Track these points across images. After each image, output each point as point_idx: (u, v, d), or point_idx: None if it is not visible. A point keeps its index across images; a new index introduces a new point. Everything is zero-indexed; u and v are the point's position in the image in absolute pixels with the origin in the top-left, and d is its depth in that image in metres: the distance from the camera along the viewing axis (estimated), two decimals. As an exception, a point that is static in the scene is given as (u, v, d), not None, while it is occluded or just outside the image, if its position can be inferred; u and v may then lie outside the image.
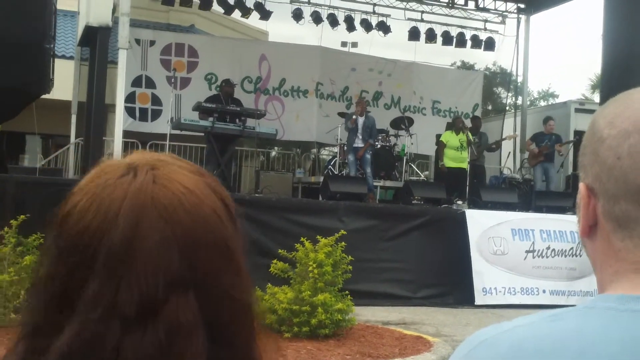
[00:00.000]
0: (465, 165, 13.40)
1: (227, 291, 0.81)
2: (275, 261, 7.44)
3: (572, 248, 10.85)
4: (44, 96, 11.00)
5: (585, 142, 0.93)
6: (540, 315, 0.88)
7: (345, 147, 13.50)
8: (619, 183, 0.86)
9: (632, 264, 0.87)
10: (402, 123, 14.28)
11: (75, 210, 0.81)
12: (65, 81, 14.06)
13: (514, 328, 0.87)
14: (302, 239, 7.50)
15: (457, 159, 13.44)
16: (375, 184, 13.29)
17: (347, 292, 7.31)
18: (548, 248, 10.93)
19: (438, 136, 14.34)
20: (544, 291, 10.77)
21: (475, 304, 10.34)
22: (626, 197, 0.86)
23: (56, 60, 11.75)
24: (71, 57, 15.60)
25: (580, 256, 10.51)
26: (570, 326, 0.84)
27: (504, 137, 15.74)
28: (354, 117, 13.05)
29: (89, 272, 0.77)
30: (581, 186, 0.92)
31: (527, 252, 10.84)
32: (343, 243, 7.44)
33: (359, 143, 13.17)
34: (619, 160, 0.86)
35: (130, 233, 0.77)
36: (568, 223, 10.87)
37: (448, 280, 10.70)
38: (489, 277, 10.56)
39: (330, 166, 14.27)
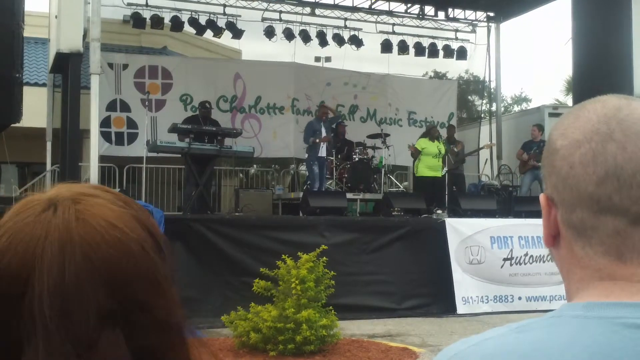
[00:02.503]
0: (439, 174, 13.48)
1: (157, 322, 0.80)
2: (257, 280, 7.41)
3: (550, 254, 10.89)
4: (17, 125, 10.90)
5: (544, 154, 0.95)
6: (508, 327, 0.88)
7: (308, 159, 13.53)
8: (574, 192, 0.88)
9: (596, 272, 0.88)
10: (379, 136, 14.34)
11: None
12: (38, 109, 13.97)
13: (482, 341, 0.87)
14: (283, 256, 7.48)
15: (433, 167, 13.53)
16: (354, 196, 13.32)
17: (331, 307, 7.30)
18: (526, 255, 11.01)
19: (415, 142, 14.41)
20: (519, 298, 10.84)
21: (458, 313, 10.39)
22: (581, 205, 0.87)
23: (29, 88, 11.70)
24: (43, 85, 15.49)
25: None
26: (538, 337, 0.84)
27: (481, 146, 15.87)
28: (317, 140, 13.11)
29: (13, 317, 0.75)
30: (541, 197, 0.94)
31: (505, 259, 10.91)
32: (325, 258, 7.43)
33: (323, 152, 13.22)
34: (572, 169, 0.88)
35: (56, 275, 0.76)
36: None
37: (431, 290, 10.72)
38: (466, 287, 10.63)
39: (309, 182, 14.28)
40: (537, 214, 11.71)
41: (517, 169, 14.91)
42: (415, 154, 13.82)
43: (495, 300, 10.76)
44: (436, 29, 17.67)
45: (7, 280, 0.77)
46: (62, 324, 0.75)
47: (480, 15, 17.71)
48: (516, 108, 35.67)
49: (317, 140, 13.10)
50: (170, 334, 0.82)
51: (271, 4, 16.18)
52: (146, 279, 0.81)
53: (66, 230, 0.78)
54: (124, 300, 0.78)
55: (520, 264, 10.99)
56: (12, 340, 0.75)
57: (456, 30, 17.75)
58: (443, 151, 13.61)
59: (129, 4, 15.11)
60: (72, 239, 0.78)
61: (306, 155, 13.73)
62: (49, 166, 13.99)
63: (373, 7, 17.05)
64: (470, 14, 17.66)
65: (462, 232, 10.84)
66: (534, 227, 10.93)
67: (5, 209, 0.85)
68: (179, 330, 0.83)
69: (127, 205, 0.85)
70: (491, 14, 17.60)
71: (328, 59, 20.07)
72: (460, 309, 10.47)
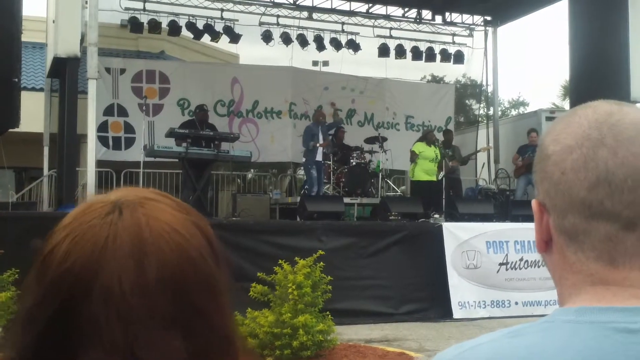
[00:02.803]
0: (435, 178, 13.51)
1: (213, 329, 0.82)
2: (254, 285, 7.40)
3: None
4: (15, 129, 10.91)
5: (536, 160, 0.95)
6: (501, 333, 0.88)
7: (305, 163, 13.55)
8: (565, 197, 0.88)
9: (588, 277, 0.88)
10: (377, 140, 14.36)
11: (59, 250, 0.80)
12: (36, 113, 13.96)
13: (475, 347, 0.88)
14: (280, 261, 7.47)
15: (430, 171, 13.56)
16: (352, 201, 13.33)
17: (328, 312, 7.29)
18: (521, 260, 11.02)
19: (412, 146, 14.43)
20: (516, 303, 10.85)
21: (454, 317, 10.39)
22: (573, 211, 0.88)
23: (26, 92, 11.69)
24: (41, 89, 15.50)
25: None
26: (531, 341, 0.84)
27: (478, 149, 15.90)
28: (317, 144, 13.13)
29: (75, 316, 0.77)
30: (534, 203, 0.95)
31: (501, 264, 10.92)
32: (322, 263, 7.42)
33: (320, 156, 13.24)
34: (564, 175, 0.88)
35: (124, 277, 0.78)
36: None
37: (428, 294, 10.71)
38: (462, 291, 10.63)
39: (306, 186, 14.29)
40: (533, 218, 11.82)
41: (512, 173, 14.93)
42: (413, 158, 13.85)
43: (492, 306, 10.76)
44: (433, 33, 17.71)
45: (71, 281, 0.78)
46: (125, 325, 0.76)
47: (478, 19, 17.75)
48: (513, 112, 35.73)
49: (318, 144, 13.11)
50: (224, 341, 0.84)
51: (268, 9, 16.20)
52: (204, 286, 0.83)
53: (135, 233, 0.80)
54: (184, 305, 0.80)
55: (516, 269, 11.00)
56: (72, 339, 0.77)
57: (453, 35, 17.78)
58: (439, 156, 13.64)
59: (127, 9, 15.12)
60: (141, 242, 0.80)
61: (304, 160, 13.75)
62: (46, 171, 13.99)
63: (370, 11, 17.08)
64: (467, 18, 17.70)
65: (458, 236, 10.84)
66: (530, 231, 10.90)
67: (65, 213, 0.86)
68: (232, 338, 0.85)
69: (187, 212, 0.87)
70: (488, 18, 17.64)
71: (326, 63, 20.10)
72: (457, 313, 10.46)
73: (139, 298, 0.77)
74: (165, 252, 0.80)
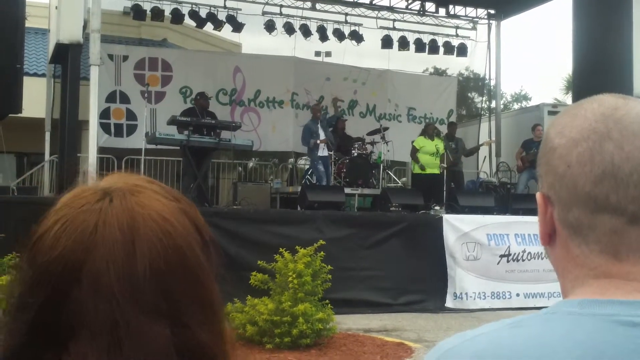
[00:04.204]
0: (437, 170, 13.49)
1: (200, 320, 0.81)
2: (254, 273, 7.42)
3: None
4: (16, 115, 10.91)
5: (540, 152, 0.95)
6: (502, 323, 0.88)
7: (311, 160, 13.57)
8: (570, 190, 0.88)
9: (591, 270, 0.88)
10: (378, 131, 14.35)
11: (48, 235, 0.80)
12: (37, 99, 13.96)
13: (476, 337, 0.88)
14: (281, 249, 7.50)
15: (431, 164, 13.55)
16: (352, 192, 13.33)
17: (327, 301, 7.32)
18: (524, 251, 11.03)
19: (413, 142, 14.43)
20: (517, 295, 10.88)
21: (451, 308, 10.43)
22: (577, 204, 0.88)
23: (28, 78, 11.67)
24: (43, 75, 15.48)
25: None
26: (532, 332, 0.84)
27: (480, 143, 15.90)
28: (317, 141, 13.13)
29: (65, 301, 0.77)
30: (538, 195, 0.94)
31: (502, 256, 10.94)
32: (322, 253, 7.45)
33: (324, 152, 13.24)
34: (569, 168, 0.88)
35: (113, 263, 0.77)
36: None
37: (428, 286, 10.73)
38: (461, 282, 10.65)
39: (307, 176, 14.28)
40: (534, 212, 11.86)
41: (515, 167, 14.92)
42: (414, 152, 13.86)
43: (493, 297, 10.79)
44: (437, 25, 17.66)
45: (62, 265, 0.78)
46: (112, 312, 0.76)
47: (481, 12, 17.69)
48: (516, 106, 35.67)
49: (318, 142, 13.10)
50: (212, 333, 0.83)
51: (272, -2, 16.15)
52: (193, 275, 0.82)
53: (124, 220, 0.80)
54: (171, 293, 0.79)
55: (518, 261, 11.01)
56: (63, 325, 0.77)
57: (457, 27, 17.73)
58: (441, 149, 13.62)
59: (130, -4, 15.08)
60: (130, 229, 0.79)
61: (308, 157, 13.77)
62: (47, 156, 13.99)
63: (374, 2, 17.03)
64: (471, 11, 17.65)
65: (459, 228, 10.86)
66: (531, 224, 10.95)
67: (56, 199, 0.85)
68: (221, 330, 0.85)
69: (178, 200, 0.87)
70: (492, 11, 17.58)
71: (328, 54, 20.03)
72: (454, 304, 10.51)
73: (126, 285, 0.77)
74: (154, 240, 0.80)
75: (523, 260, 11.02)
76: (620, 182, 0.85)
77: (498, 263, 10.91)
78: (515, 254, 10.99)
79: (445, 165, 13.51)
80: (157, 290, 0.78)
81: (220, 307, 0.86)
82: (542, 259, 10.98)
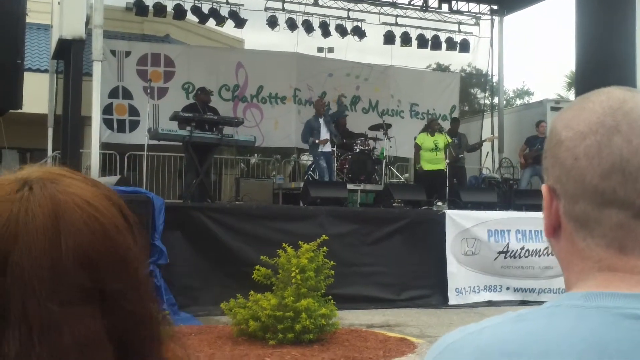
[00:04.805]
0: (442, 166, 13.45)
1: (128, 303, 0.81)
2: (257, 267, 7.43)
3: (547, 247, 11.01)
4: (19, 110, 10.91)
5: (546, 145, 0.94)
6: (506, 316, 0.88)
7: (313, 156, 13.58)
8: (577, 184, 0.88)
9: (596, 263, 0.88)
10: (381, 127, 14.35)
11: None
12: (40, 95, 13.96)
13: (479, 330, 0.88)
14: (284, 244, 7.50)
15: (433, 160, 13.53)
16: (355, 187, 13.34)
17: (330, 297, 7.32)
18: (522, 249, 11.07)
19: (415, 139, 14.43)
20: (507, 288, 10.97)
21: (451, 304, 10.45)
22: (584, 197, 0.87)
23: (30, 73, 11.67)
24: (45, 71, 15.49)
25: None
26: (536, 326, 0.84)
27: (483, 139, 15.89)
28: (317, 141, 13.13)
29: None
30: (544, 188, 0.94)
31: (500, 252, 10.98)
32: (325, 248, 7.45)
33: (327, 148, 13.24)
34: (576, 161, 0.88)
35: (38, 252, 0.76)
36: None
37: (430, 281, 10.75)
38: (459, 277, 10.69)
39: (310, 172, 14.29)
40: (536, 208, 11.82)
41: (518, 164, 14.91)
42: (416, 149, 13.85)
43: (486, 290, 10.86)
44: (439, 21, 17.61)
45: None
46: (38, 301, 0.75)
47: (484, 8, 17.65)
48: (518, 102, 35.63)
49: (317, 142, 13.10)
50: (141, 311, 0.82)
51: (275, -6, 16.13)
52: (120, 259, 0.81)
53: (47, 207, 0.79)
54: (99, 279, 0.79)
55: (515, 257, 11.04)
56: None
57: (459, 23, 17.69)
58: (442, 144, 13.55)
59: (132, -9, 15.08)
60: (53, 216, 0.78)
61: (310, 153, 13.77)
62: (50, 152, 14.00)
63: (376, -2, 17.00)
64: (473, 7, 17.61)
65: (460, 224, 10.87)
66: (532, 220, 10.97)
67: None
68: (150, 315, 0.84)
69: (97, 186, 0.86)
70: (495, 7, 17.54)
71: (331, 50, 20.03)
72: (456, 300, 10.53)
73: (51, 273, 0.76)
74: (80, 225, 0.79)
75: (521, 257, 11.05)
76: (629, 176, 0.85)
77: (495, 259, 10.95)
78: (513, 251, 11.03)
79: (448, 160, 13.50)
80: (84, 276, 0.78)
81: (150, 289, 0.85)
82: (539, 256, 11.04)
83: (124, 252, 0.82)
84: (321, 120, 13.36)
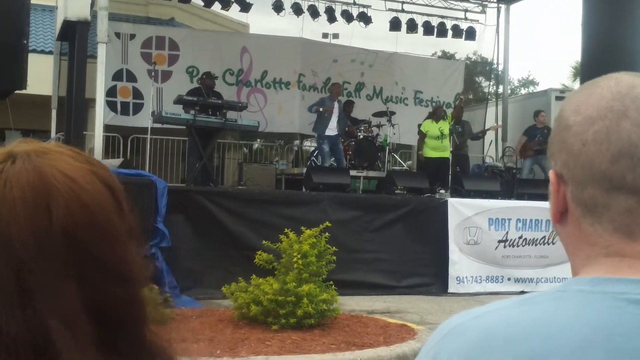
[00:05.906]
0: (447, 154, 13.43)
1: (111, 277, 0.81)
2: (259, 252, 7.45)
3: (544, 237, 11.05)
4: (23, 92, 10.91)
5: (554, 130, 0.94)
6: (511, 301, 0.88)
7: (317, 138, 13.56)
8: (586, 169, 0.87)
9: (603, 248, 0.88)
10: (385, 114, 14.32)
11: None
12: (44, 76, 13.93)
13: (484, 314, 0.88)
14: (286, 230, 7.51)
15: (438, 148, 13.50)
16: (358, 174, 13.33)
17: (331, 282, 7.34)
18: (520, 237, 11.10)
19: (420, 126, 14.40)
20: (508, 279, 11.00)
21: (451, 292, 10.48)
22: (592, 183, 0.87)
23: (35, 55, 11.63)
24: (50, 52, 15.46)
25: (554, 244, 10.70)
26: (542, 310, 0.84)
27: (487, 127, 15.87)
28: (331, 105, 13.08)
29: None
30: (551, 173, 0.94)
31: (500, 241, 11.01)
32: (327, 234, 7.46)
33: (331, 132, 13.20)
34: (585, 146, 0.87)
35: (14, 225, 0.77)
36: (547, 211, 11.04)
37: (431, 269, 10.77)
38: (461, 266, 10.71)
39: (313, 157, 14.29)
40: (539, 197, 11.83)
41: (518, 154, 14.88)
42: (421, 137, 13.83)
43: (488, 281, 10.88)
44: (446, 8, 17.51)
45: None
46: (17, 274, 0.76)
47: (491, -5, 17.57)
48: (523, 91, 35.50)
49: (321, 109, 13.06)
50: (123, 289, 0.82)
51: (280, -22, 16.03)
52: (102, 234, 0.81)
53: (27, 180, 0.79)
54: (79, 253, 0.79)
55: (514, 246, 11.07)
56: None
57: (466, 10, 17.59)
58: (445, 131, 13.52)
59: (138, -26, 15.02)
60: (33, 189, 0.79)
61: (314, 139, 13.76)
62: (53, 134, 14.00)
63: (383, -16, 16.90)
64: (480, -5, 17.52)
65: (462, 212, 10.89)
66: (533, 209, 10.99)
67: None
68: (133, 286, 0.84)
69: (87, 162, 0.86)
70: (501, -5, 17.46)
71: (336, 36, 19.94)
72: (456, 288, 10.56)
73: (31, 246, 0.76)
74: (58, 198, 0.79)
75: (518, 246, 11.08)
76: (637, 161, 0.85)
77: (496, 248, 10.98)
78: (512, 239, 11.06)
79: (451, 148, 13.48)
80: (64, 250, 0.78)
81: (136, 267, 0.85)
82: (535, 245, 11.08)
83: (106, 227, 0.82)
84: (335, 103, 13.34)
